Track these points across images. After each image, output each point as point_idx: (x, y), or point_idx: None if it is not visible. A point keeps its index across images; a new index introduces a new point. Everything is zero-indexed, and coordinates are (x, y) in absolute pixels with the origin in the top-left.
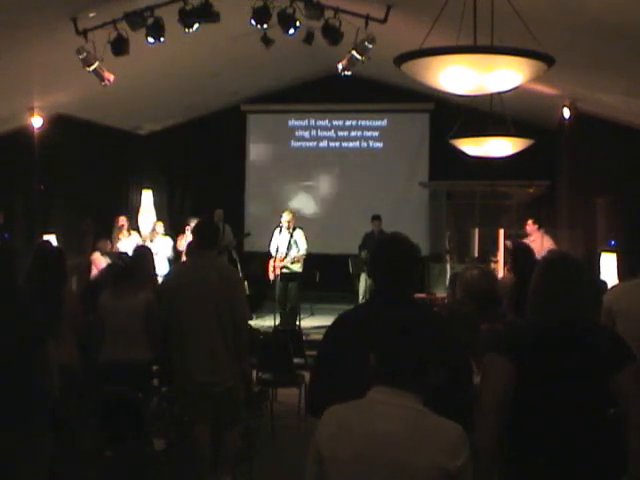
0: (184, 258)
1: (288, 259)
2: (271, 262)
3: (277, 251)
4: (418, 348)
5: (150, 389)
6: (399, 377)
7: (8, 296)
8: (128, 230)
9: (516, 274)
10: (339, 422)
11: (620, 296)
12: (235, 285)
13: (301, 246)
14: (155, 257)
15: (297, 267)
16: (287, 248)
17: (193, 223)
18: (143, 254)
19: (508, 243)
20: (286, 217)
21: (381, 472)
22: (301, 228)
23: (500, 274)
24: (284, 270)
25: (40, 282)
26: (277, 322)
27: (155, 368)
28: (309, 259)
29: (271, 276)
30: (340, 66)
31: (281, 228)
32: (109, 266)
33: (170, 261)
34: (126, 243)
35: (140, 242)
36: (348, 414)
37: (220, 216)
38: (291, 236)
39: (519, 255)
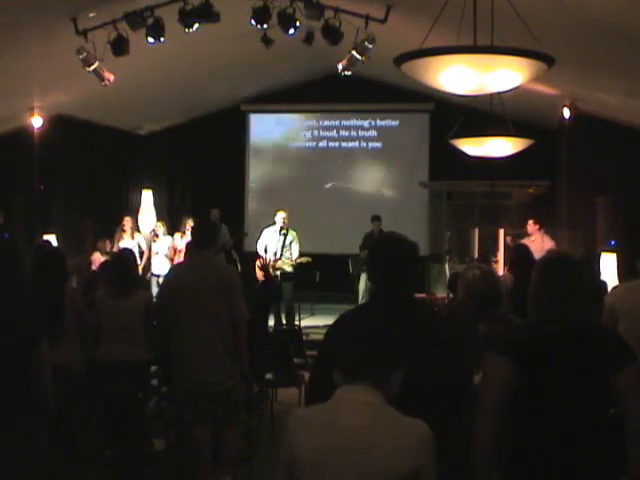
0: (179, 258)
1: (284, 259)
2: (259, 262)
3: (266, 251)
4: (385, 348)
5: (150, 389)
6: (365, 376)
7: (10, 295)
8: (132, 231)
9: (515, 274)
10: (305, 423)
11: (623, 296)
12: (234, 284)
13: (294, 249)
14: (157, 257)
15: (289, 267)
16: (282, 249)
17: (190, 223)
18: (123, 256)
19: (509, 239)
20: (283, 215)
21: (347, 468)
22: (294, 230)
23: (500, 274)
24: (277, 271)
25: (41, 283)
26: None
27: (155, 368)
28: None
29: (259, 276)
30: (340, 66)
31: (280, 228)
32: (103, 264)
33: (171, 260)
34: (129, 243)
35: (143, 243)
36: (314, 414)
37: (217, 216)
38: (285, 236)
39: (518, 255)
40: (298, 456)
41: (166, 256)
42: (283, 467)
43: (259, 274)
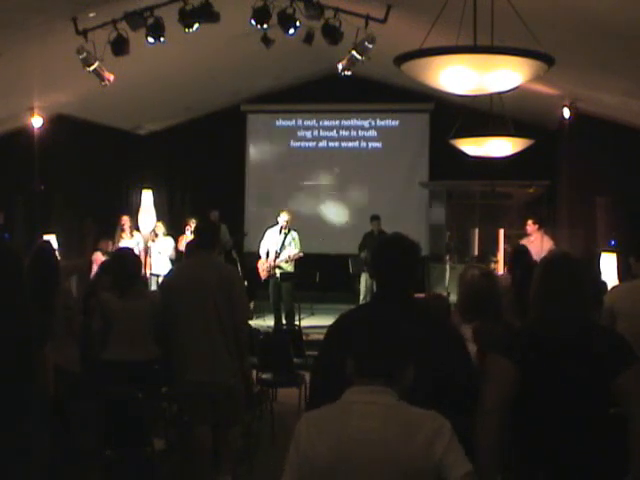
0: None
1: (281, 258)
2: (261, 262)
3: (267, 254)
4: (395, 347)
5: (152, 389)
6: (375, 376)
7: (10, 296)
8: (131, 230)
9: (514, 275)
10: (317, 426)
11: (623, 296)
12: (234, 284)
13: (293, 249)
14: (157, 257)
15: (290, 267)
16: (280, 248)
17: (192, 222)
18: (126, 255)
19: (508, 248)
20: (285, 217)
21: (365, 471)
22: (295, 230)
23: (500, 273)
24: (277, 270)
25: (34, 282)
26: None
27: (156, 368)
28: (309, 259)
29: (262, 276)
30: (340, 66)
31: (280, 229)
32: (103, 265)
33: (172, 261)
34: (128, 243)
35: (142, 242)
36: (325, 417)
37: (216, 217)
38: (285, 237)
39: (517, 257)
40: (311, 461)
41: (170, 258)
42: (291, 469)
43: (268, 273)
